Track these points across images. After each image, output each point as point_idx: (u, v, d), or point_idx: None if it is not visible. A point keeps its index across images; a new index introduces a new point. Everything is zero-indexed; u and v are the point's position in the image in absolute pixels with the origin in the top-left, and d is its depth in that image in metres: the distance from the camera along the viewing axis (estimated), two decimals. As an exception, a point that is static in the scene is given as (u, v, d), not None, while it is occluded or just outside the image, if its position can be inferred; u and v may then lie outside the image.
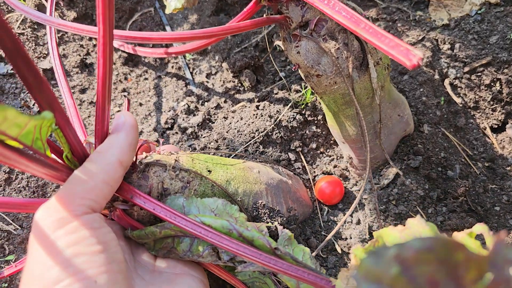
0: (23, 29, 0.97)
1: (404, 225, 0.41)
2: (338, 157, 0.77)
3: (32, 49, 0.94)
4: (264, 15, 0.62)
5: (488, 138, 0.81)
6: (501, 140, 0.81)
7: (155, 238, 0.47)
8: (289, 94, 0.81)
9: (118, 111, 0.87)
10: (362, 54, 0.58)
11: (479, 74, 0.84)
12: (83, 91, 0.90)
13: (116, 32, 0.59)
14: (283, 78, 0.85)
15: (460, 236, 0.40)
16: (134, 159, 0.48)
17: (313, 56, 0.57)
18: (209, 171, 0.54)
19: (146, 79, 0.93)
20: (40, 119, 0.30)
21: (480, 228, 0.39)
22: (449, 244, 0.20)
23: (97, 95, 0.40)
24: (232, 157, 0.72)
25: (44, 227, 0.35)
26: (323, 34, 0.55)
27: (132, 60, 0.97)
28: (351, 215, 0.69)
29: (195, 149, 0.76)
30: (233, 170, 0.57)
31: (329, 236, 0.55)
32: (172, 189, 0.49)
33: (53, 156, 0.39)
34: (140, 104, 0.88)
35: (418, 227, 0.39)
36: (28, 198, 0.71)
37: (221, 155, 0.73)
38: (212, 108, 0.83)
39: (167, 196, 0.49)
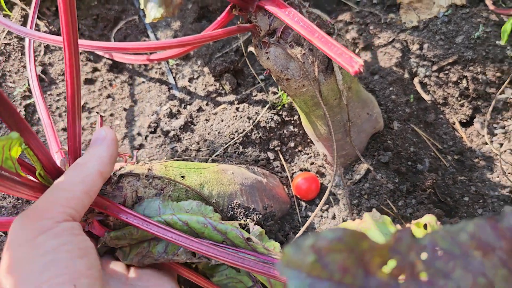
0: (10, 39, 0.99)
1: (361, 219, 0.44)
2: (315, 155, 0.81)
3: (19, 59, 0.96)
4: (239, 22, 0.65)
5: (457, 132, 0.85)
6: (470, 134, 0.85)
7: (131, 239, 0.49)
8: (267, 96, 0.84)
9: (102, 116, 0.89)
10: (327, 58, 0.61)
11: (447, 72, 0.88)
12: (69, 98, 0.92)
13: (95, 43, 0.62)
14: (260, 81, 0.88)
15: (411, 227, 0.43)
16: None
17: (281, 62, 0.60)
18: (182, 176, 0.57)
19: (130, 84, 0.96)
20: (6, 139, 0.31)
21: (427, 218, 0.43)
22: (356, 235, 0.23)
23: (68, 114, 0.43)
24: (211, 159, 0.75)
25: (25, 234, 0.35)
26: (289, 41, 0.59)
27: (117, 67, 0.99)
28: (327, 210, 0.73)
29: (177, 151, 0.79)
30: (206, 173, 0.59)
31: (302, 229, 0.58)
32: (146, 197, 0.52)
33: (27, 175, 0.41)
34: (124, 109, 0.91)
35: (372, 220, 0.43)
36: (10, 211, 0.73)
37: (199, 159, 0.76)
38: (194, 111, 0.86)
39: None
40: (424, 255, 0.26)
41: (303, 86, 0.62)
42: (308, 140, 0.82)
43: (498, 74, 0.86)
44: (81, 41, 0.62)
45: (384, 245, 0.23)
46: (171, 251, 0.49)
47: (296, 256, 0.23)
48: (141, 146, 0.84)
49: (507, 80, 0.82)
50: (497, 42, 0.87)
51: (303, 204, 0.75)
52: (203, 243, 0.44)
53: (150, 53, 0.96)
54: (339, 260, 0.23)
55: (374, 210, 0.42)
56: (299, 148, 0.82)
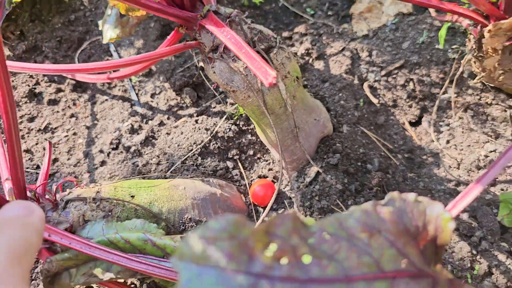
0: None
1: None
2: (274, 161, 0.85)
3: (-19, 84, 0.99)
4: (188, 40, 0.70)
5: (407, 131, 0.92)
6: (419, 133, 0.92)
7: (77, 260, 0.51)
8: (225, 107, 0.89)
9: (66, 136, 0.92)
10: (270, 70, 0.66)
11: (395, 76, 0.95)
12: (31, 119, 0.95)
13: (47, 67, 0.66)
14: (218, 94, 0.93)
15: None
16: (54, 198, 0.54)
17: (226, 75, 0.65)
18: (132, 196, 0.60)
19: (94, 103, 0.99)
20: None
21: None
22: (237, 223, 0.26)
23: (8, 147, 0.45)
24: (170, 173, 0.79)
25: None
26: (232, 56, 0.64)
27: (80, 86, 1.03)
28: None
29: (137, 166, 0.82)
30: (157, 191, 0.63)
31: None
32: (94, 220, 0.55)
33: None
34: (87, 128, 0.94)
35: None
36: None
37: (158, 173, 0.79)
38: (156, 125, 0.90)
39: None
40: (311, 240, 0.30)
41: (248, 97, 0.66)
42: (267, 148, 0.87)
43: (441, 76, 0.93)
44: (32, 65, 0.65)
45: (260, 229, 0.26)
46: (115, 269, 0.51)
47: (186, 248, 0.25)
48: (103, 163, 0.87)
49: (447, 81, 0.89)
50: (436, 46, 0.94)
51: (261, 210, 0.79)
52: (142, 261, 0.47)
53: (114, 71, 1.00)
54: (224, 248, 0.26)
55: (299, 213, 0.47)
56: (258, 155, 0.86)
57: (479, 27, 0.71)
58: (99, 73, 1.01)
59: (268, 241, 0.27)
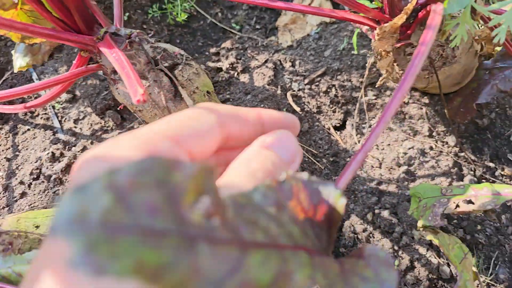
0: None
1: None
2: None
3: None
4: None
5: (333, 136, 0.97)
6: (344, 136, 0.97)
7: None
8: (149, 127, 0.92)
9: (-18, 170, 0.91)
10: (174, 87, 0.70)
11: (318, 83, 1.01)
12: None
13: None
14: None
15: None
16: None
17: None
18: (36, 226, 0.61)
19: (15, 134, 0.99)
20: None
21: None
22: (167, 164, 0.18)
23: None
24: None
25: None
26: (131, 76, 0.67)
27: (1, 118, 1.02)
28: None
29: (58, 194, 0.83)
30: None
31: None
32: None
33: None
34: (8, 160, 0.93)
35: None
36: None
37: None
38: (78, 151, 0.91)
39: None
40: (231, 208, 0.26)
41: (155, 115, 0.70)
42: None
43: (361, 80, 1.00)
44: None
45: (197, 176, 0.19)
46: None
47: (82, 203, 0.14)
48: (23, 194, 0.86)
49: (363, 85, 0.96)
50: (352, 52, 1.02)
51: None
52: None
53: (36, 97, 1.01)
54: (146, 199, 0.16)
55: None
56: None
57: (374, 31, 0.78)
58: (22, 102, 1.01)
59: (202, 193, 0.20)
